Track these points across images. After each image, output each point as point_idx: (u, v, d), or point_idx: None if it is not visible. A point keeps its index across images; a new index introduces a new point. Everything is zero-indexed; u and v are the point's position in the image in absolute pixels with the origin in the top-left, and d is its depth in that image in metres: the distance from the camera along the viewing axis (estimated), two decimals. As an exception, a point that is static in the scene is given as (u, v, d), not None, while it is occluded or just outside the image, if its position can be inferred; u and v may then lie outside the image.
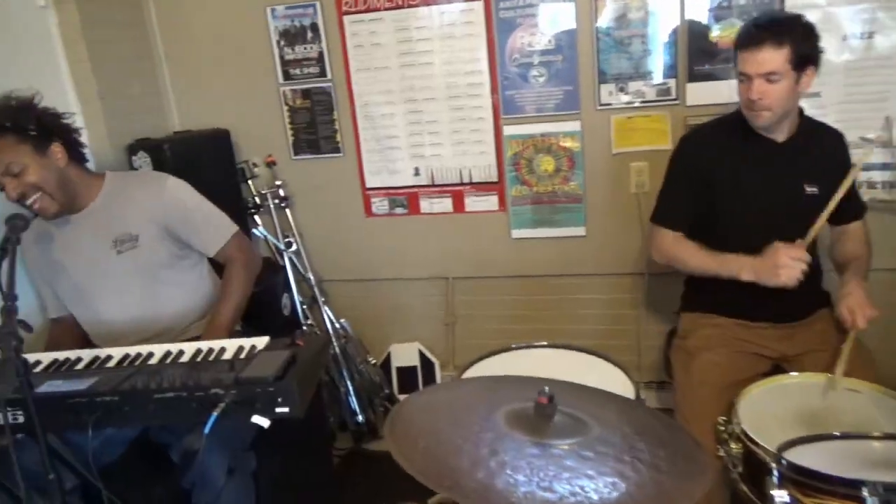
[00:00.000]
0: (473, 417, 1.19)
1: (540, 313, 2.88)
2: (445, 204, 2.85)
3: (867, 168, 2.31)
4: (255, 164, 2.95)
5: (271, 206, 2.93)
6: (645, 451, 1.11)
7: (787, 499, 1.26)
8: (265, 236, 2.94)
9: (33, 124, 1.79)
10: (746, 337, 1.90)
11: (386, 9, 2.64)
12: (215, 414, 1.37)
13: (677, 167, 2.01)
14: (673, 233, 1.97)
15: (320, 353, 1.61)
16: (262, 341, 1.65)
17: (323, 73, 2.79)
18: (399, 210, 2.92)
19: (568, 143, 2.62)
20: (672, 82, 2.46)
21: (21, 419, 1.40)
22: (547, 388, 1.16)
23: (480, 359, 1.88)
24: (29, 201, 1.77)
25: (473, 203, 2.82)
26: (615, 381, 1.67)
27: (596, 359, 1.81)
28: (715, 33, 2.38)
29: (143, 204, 1.95)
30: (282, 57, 2.81)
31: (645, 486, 1.02)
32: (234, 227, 2.10)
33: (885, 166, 2.35)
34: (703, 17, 2.38)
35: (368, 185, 2.91)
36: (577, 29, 2.50)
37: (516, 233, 2.80)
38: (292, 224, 2.97)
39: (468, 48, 2.61)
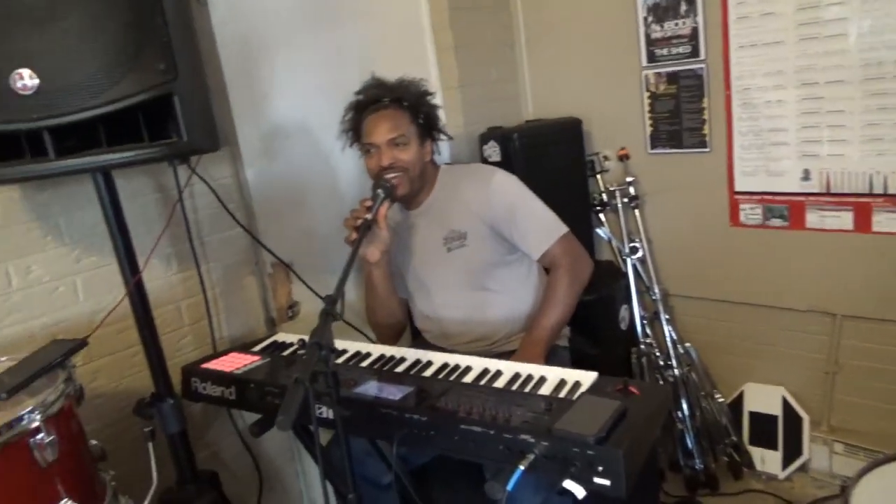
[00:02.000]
0: None
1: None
2: (844, 219, 2.19)
3: None
4: (606, 158, 2.67)
5: (619, 204, 2.61)
6: None
7: None
8: (609, 238, 2.65)
9: (423, 116, 1.82)
10: None
11: (788, -32, 2.08)
12: (521, 468, 1.13)
13: None
14: None
15: (657, 413, 1.26)
16: (587, 378, 1.36)
17: (695, 53, 2.35)
18: (776, 222, 2.34)
19: None
20: None
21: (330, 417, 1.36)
22: None
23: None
24: (391, 175, 1.75)
25: (886, 221, 2.11)
26: None
27: None
28: None
29: (470, 200, 1.84)
30: (647, 35, 2.44)
31: None
32: (563, 229, 1.85)
33: None
34: None
35: (738, 188, 2.39)
36: None
37: (948, 266, 2.02)
38: (640, 227, 2.61)
39: None
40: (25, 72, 1.09)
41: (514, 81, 2.77)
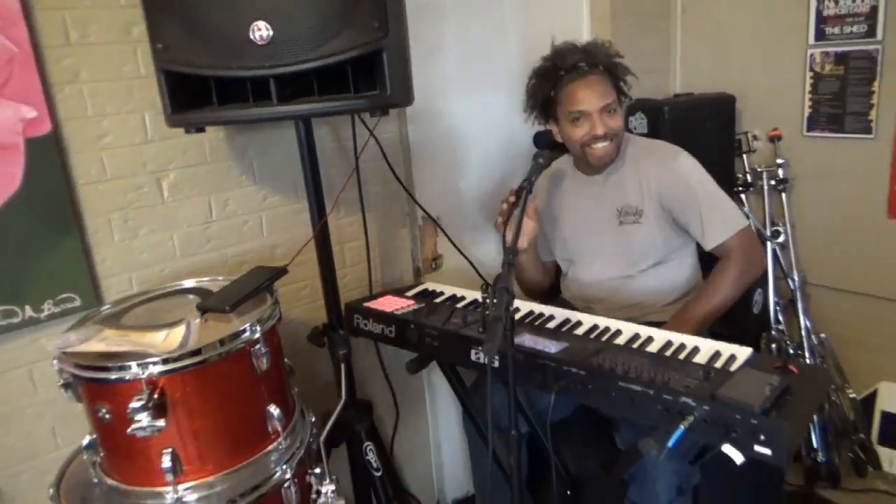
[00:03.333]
0: None
1: None
2: None
3: None
4: (755, 137, 2.60)
5: (765, 186, 2.55)
6: None
7: None
8: (749, 219, 2.60)
9: (623, 81, 1.83)
10: None
11: None
12: (682, 428, 1.19)
13: None
14: None
15: (817, 394, 1.27)
16: (743, 353, 1.39)
17: (871, 33, 2.24)
18: (940, 216, 2.22)
19: None
20: None
21: (496, 364, 1.46)
22: None
23: None
24: (601, 144, 1.78)
25: None
26: None
27: None
28: None
29: (652, 178, 1.83)
30: (819, 12, 2.34)
31: None
32: (744, 222, 1.81)
33: None
34: None
35: (902, 178, 2.28)
36: None
37: None
38: (786, 211, 2.54)
39: None
40: (262, 24, 1.22)
41: (666, 54, 2.74)
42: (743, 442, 1.17)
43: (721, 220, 1.79)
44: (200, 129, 1.44)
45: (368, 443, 1.70)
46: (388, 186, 2.03)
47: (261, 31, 1.23)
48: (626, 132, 1.91)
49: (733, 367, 1.33)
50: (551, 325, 1.62)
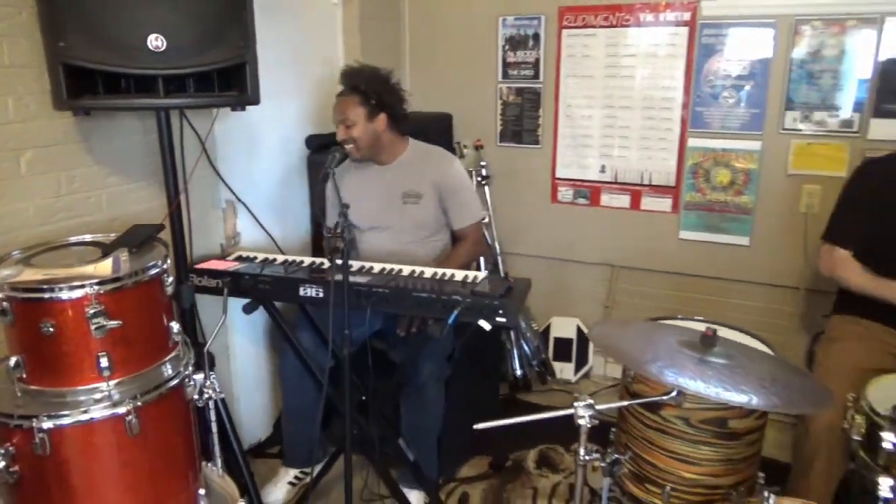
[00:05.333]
0: (656, 338, 1.65)
1: (694, 310, 3.19)
2: (624, 200, 3.27)
3: None
4: (465, 146, 3.52)
5: (474, 182, 3.49)
6: (780, 383, 1.50)
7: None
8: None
9: (374, 98, 2.42)
10: (889, 340, 2.16)
11: (601, 26, 3.09)
12: (456, 311, 1.92)
13: (854, 191, 2.30)
14: (842, 250, 2.27)
15: (524, 291, 2.11)
16: (482, 274, 2.18)
17: (536, 76, 3.30)
18: (581, 200, 3.37)
19: (745, 160, 2.95)
20: (856, 116, 2.72)
21: (321, 294, 2.04)
22: (713, 326, 1.58)
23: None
24: (346, 146, 2.43)
25: (649, 202, 3.22)
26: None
27: (750, 338, 2.14)
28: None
29: (432, 173, 2.52)
30: (504, 59, 3.35)
31: (771, 400, 1.42)
32: (480, 217, 2.63)
33: None
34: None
35: (558, 175, 3.39)
36: (773, 59, 2.82)
37: (684, 234, 3.16)
38: (488, 200, 3.50)
39: (668, 67, 3.01)
40: (159, 35, 1.64)
41: (401, 80, 3.53)
42: (489, 317, 1.93)
43: (468, 212, 2.59)
44: (87, 113, 1.75)
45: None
46: (203, 173, 2.43)
47: (157, 41, 1.64)
48: (408, 137, 2.61)
49: (478, 280, 2.11)
50: (354, 268, 2.24)
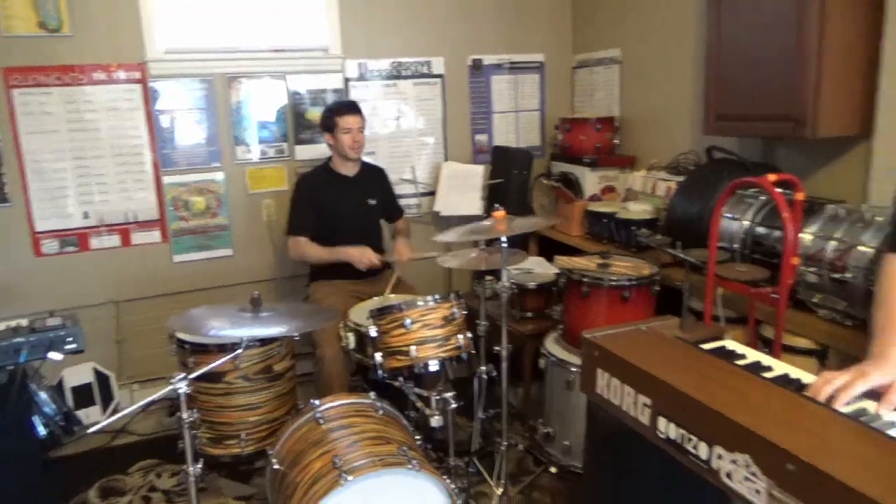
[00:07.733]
0: (221, 312, 2.19)
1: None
2: (114, 240, 3.55)
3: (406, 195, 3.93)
4: None
5: None
6: (301, 319, 2.27)
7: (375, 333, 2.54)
8: None
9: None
10: (350, 287, 3.22)
11: (55, 85, 3.30)
12: (25, 353, 2.03)
13: (298, 196, 3.28)
14: (302, 238, 3.22)
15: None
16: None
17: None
18: (70, 248, 3.49)
19: (215, 188, 3.66)
20: (285, 145, 3.76)
21: None
22: (257, 293, 2.23)
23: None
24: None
25: (140, 237, 3.60)
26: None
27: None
28: (310, 114, 3.76)
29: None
30: None
31: (299, 325, 2.18)
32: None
33: (413, 195, 4.02)
34: (302, 103, 3.74)
35: (38, 229, 3.42)
36: (217, 106, 3.61)
37: (177, 257, 3.67)
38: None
39: (130, 118, 3.46)
40: None
41: None
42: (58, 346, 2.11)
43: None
44: None
45: None
46: None
47: None
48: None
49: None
50: None
